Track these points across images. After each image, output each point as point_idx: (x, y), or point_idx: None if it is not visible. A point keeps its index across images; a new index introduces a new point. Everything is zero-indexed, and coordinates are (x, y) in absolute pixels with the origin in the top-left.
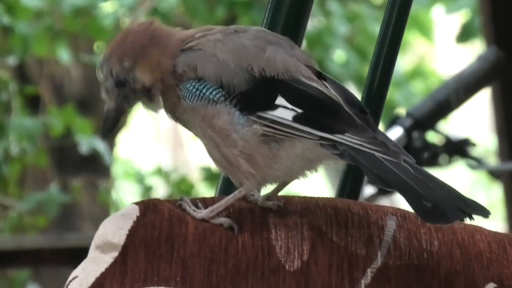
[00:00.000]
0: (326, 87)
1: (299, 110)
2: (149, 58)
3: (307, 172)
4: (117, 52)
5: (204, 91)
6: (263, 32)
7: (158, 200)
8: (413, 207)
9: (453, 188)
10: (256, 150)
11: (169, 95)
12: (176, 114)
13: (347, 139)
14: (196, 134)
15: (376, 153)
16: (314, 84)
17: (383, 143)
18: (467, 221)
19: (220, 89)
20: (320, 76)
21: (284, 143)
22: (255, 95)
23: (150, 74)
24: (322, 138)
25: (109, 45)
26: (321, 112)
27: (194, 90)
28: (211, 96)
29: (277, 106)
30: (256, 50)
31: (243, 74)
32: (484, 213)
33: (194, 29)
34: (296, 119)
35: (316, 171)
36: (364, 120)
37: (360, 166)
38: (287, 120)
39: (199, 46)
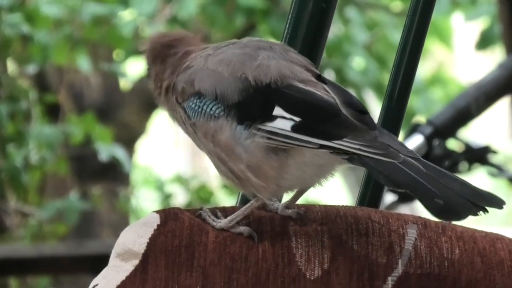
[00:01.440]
0: (325, 89)
1: (297, 119)
2: (155, 70)
3: (322, 180)
4: (145, 53)
5: (204, 107)
6: (253, 40)
7: (178, 208)
8: (424, 205)
9: (466, 182)
10: (262, 161)
11: (176, 112)
12: (185, 131)
13: (345, 144)
14: (202, 150)
15: (375, 156)
16: (311, 89)
17: (383, 143)
18: (481, 214)
19: (219, 104)
20: (320, 78)
21: (292, 151)
22: (251, 106)
23: (154, 84)
24: (321, 146)
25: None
26: (319, 118)
27: (195, 107)
28: (211, 111)
29: (275, 117)
30: (247, 58)
31: (237, 83)
32: (499, 204)
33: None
34: (294, 128)
35: (331, 177)
36: (363, 121)
37: (369, 168)
38: (286, 130)
39: (192, 63)
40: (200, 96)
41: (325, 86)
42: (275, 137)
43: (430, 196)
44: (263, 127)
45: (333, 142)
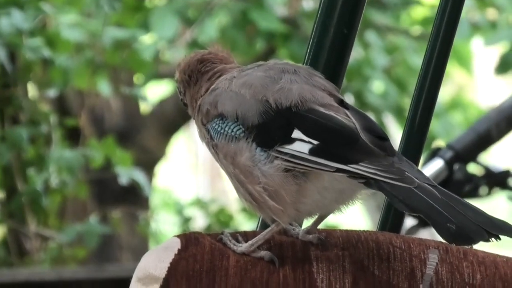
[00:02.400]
0: (346, 114)
1: (315, 142)
2: (189, 92)
3: (342, 206)
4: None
5: (226, 128)
6: (279, 63)
7: (199, 233)
8: (437, 230)
9: (479, 209)
10: (280, 185)
11: (202, 133)
12: (209, 152)
13: (362, 168)
14: (224, 171)
15: (390, 181)
16: (332, 113)
17: (399, 169)
18: (493, 240)
19: (240, 125)
20: (342, 103)
21: (311, 175)
22: (271, 128)
23: (190, 107)
24: (338, 169)
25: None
26: (337, 142)
27: (218, 128)
28: (232, 133)
29: (294, 140)
30: (270, 81)
31: (258, 105)
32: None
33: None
34: (312, 151)
35: (352, 204)
36: (382, 147)
37: (385, 192)
38: (304, 153)
39: (218, 86)
40: (222, 118)
41: (347, 111)
42: (293, 160)
43: (443, 221)
44: (281, 149)
45: (350, 166)
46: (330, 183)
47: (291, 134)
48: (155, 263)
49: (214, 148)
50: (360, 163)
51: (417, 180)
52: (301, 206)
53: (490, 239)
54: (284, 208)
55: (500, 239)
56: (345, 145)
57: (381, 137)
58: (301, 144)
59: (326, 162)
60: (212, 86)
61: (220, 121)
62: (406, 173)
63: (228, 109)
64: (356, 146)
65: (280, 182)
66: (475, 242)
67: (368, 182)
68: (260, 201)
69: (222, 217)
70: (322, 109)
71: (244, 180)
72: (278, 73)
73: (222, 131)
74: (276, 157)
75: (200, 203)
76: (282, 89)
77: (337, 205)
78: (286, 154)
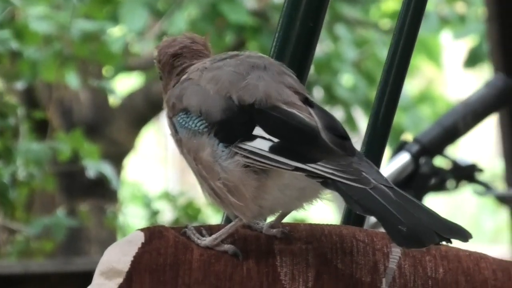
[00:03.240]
0: (309, 113)
1: (276, 140)
2: (163, 81)
3: (305, 203)
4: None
5: (190, 123)
6: (253, 56)
7: (163, 226)
8: (388, 232)
9: (434, 212)
10: (239, 181)
11: (170, 126)
12: (175, 145)
13: (319, 168)
14: (188, 166)
15: (346, 181)
16: (294, 111)
17: (357, 169)
18: (445, 243)
19: (204, 120)
20: (307, 101)
21: (271, 172)
22: (233, 125)
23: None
24: (296, 168)
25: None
26: (297, 140)
27: (182, 122)
28: (195, 127)
29: (255, 137)
30: (237, 77)
31: (221, 102)
32: (465, 237)
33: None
34: (272, 149)
35: (317, 202)
36: (342, 146)
37: (341, 193)
38: (264, 150)
39: (189, 77)
40: (187, 112)
41: (310, 110)
42: (253, 157)
43: (394, 223)
44: (242, 146)
45: (307, 165)
46: (290, 180)
47: (252, 131)
48: (118, 256)
49: (178, 142)
50: (318, 163)
51: (374, 181)
52: (262, 202)
53: (441, 243)
54: (244, 204)
55: (451, 243)
56: (305, 144)
57: (342, 136)
58: (261, 142)
59: (285, 160)
60: (184, 77)
61: (185, 115)
62: (363, 173)
63: (193, 103)
64: (315, 145)
65: (240, 178)
66: (426, 245)
67: (326, 182)
68: (222, 197)
69: (190, 210)
70: (284, 107)
71: (206, 175)
72: (248, 69)
73: (186, 125)
74: (236, 153)
75: (168, 197)
76: (248, 86)
77: (299, 203)
78: (245, 150)
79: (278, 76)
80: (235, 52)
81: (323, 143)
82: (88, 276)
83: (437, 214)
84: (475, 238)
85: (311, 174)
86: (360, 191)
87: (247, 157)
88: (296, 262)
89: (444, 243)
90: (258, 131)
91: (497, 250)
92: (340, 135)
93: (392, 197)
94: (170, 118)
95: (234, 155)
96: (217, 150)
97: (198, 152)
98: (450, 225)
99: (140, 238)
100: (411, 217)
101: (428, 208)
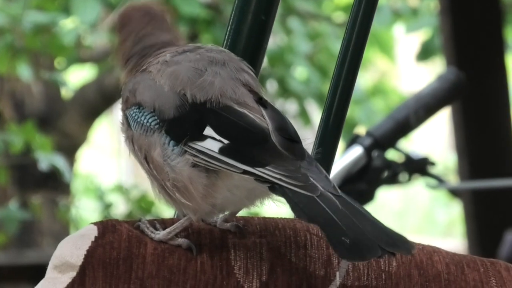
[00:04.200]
0: (261, 114)
1: (226, 141)
2: (121, 42)
3: (256, 202)
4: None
5: (142, 118)
6: (214, 50)
7: (116, 220)
8: (330, 243)
9: (380, 223)
10: (189, 181)
11: (123, 119)
12: (125, 142)
13: (267, 172)
14: (139, 164)
15: (293, 187)
16: (245, 111)
17: (305, 175)
18: (387, 258)
19: (156, 117)
20: (261, 101)
21: (221, 173)
22: (184, 123)
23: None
24: (245, 171)
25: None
26: (246, 142)
27: (135, 116)
28: (147, 123)
29: (205, 137)
30: (195, 73)
31: (175, 99)
32: (408, 250)
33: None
34: (221, 150)
35: (268, 201)
36: (291, 150)
37: (287, 200)
38: (214, 151)
39: (149, 69)
40: (139, 107)
41: (263, 110)
42: (203, 157)
43: (337, 233)
44: (193, 145)
45: (256, 169)
46: (240, 182)
47: (203, 131)
48: (71, 250)
49: (130, 138)
50: (267, 167)
51: (321, 188)
52: (212, 201)
53: (383, 257)
54: (194, 203)
55: (394, 256)
56: (254, 146)
57: (293, 139)
58: (212, 142)
59: (234, 162)
60: (144, 67)
61: (137, 110)
62: (311, 179)
63: (146, 99)
64: (265, 148)
65: (189, 177)
66: (367, 259)
67: (273, 187)
68: (172, 196)
69: (144, 203)
70: (236, 107)
71: (156, 175)
72: (206, 64)
73: (138, 119)
74: (186, 151)
75: (121, 189)
76: (203, 83)
77: (250, 202)
78: (194, 149)
79: (236, 73)
80: (198, 45)
81: (273, 146)
82: (40, 269)
83: (383, 225)
84: (428, 231)
85: (259, 178)
86: (306, 199)
87: (196, 156)
88: (250, 256)
89: (386, 256)
90: (208, 131)
91: (450, 243)
92: (291, 138)
93: (338, 206)
94: (124, 111)
95: (184, 153)
96: (167, 149)
97: (149, 151)
98: (395, 237)
99: (93, 231)
100: (355, 228)
101: (374, 218)
